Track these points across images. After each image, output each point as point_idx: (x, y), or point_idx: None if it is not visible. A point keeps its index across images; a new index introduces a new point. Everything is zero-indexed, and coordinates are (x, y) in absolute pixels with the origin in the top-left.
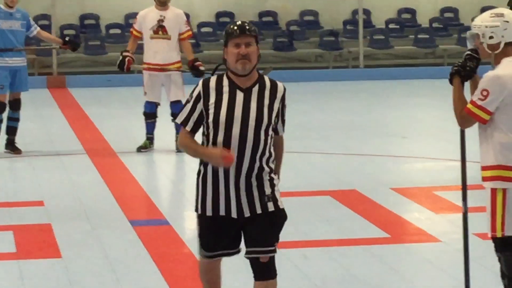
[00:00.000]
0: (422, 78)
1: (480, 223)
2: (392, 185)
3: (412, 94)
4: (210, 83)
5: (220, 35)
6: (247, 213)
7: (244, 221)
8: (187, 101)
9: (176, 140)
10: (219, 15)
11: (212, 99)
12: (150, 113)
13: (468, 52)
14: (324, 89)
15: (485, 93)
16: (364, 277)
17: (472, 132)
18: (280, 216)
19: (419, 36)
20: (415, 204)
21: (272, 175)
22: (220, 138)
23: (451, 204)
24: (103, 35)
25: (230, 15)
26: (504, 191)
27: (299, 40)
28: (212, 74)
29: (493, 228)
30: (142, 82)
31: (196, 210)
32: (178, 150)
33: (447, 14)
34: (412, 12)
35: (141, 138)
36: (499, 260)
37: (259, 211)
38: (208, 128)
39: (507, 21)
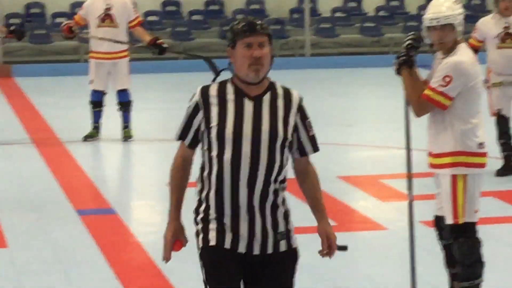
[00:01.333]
0: (368, 66)
1: (426, 210)
2: (338, 174)
3: (358, 83)
4: (210, 90)
5: (167, 24)
6: (256, 251)
7: (249, 261)
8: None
9: (123, 129)
10: (165, 4)
11: (215, 110)
12: (97, 102)
13: (410, 42)
14: (270, 77)
15: (447, 79)
16: (311, 265)
17: (418, 119)
18: (292, 258)
19: (365, 24)
20: (361, 192)
21: (287, 205)
22: (227, 155)
23: (397, 192)
24: (49, 24)
25: (177, 4)
26: (465, 177)
27: None
28: (214, 80)
29: (455, 215)
30: (88, 71)
31: (198, 246)
32: (125, 139)
33: (392, 3)
34: (358, 0)
35: (88, 127)
36: (445, 247)
37: (269, 250)
38: (210, 144)
39: (458, 8)
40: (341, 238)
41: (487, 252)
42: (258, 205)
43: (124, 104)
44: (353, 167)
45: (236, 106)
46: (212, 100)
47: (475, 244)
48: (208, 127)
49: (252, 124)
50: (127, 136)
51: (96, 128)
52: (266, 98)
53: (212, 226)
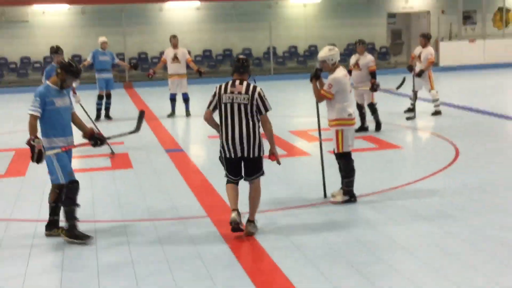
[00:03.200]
0: (299, 79)
1: (327, 147)
2: (289, 129)
3: (296, 87)
4: None
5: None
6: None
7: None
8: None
9: (186, 111)
10: (205, 51)
11: None
12: (173, 99)
13: (316, 68)
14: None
15: (330, 85)
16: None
17: (320, 104)
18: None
19: (299, 59)
20: (299, 138)
21: None
22: None
23: (315, 138)
24: (150, 62)
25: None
26: (342, 131)
27: None
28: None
29: (338, 149)
30: (168, 84)
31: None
32: (187, 116)
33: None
34: (295, 46)
35: (169, 111)
36: (338, 163)
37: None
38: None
39: (336, 50)
40: (288, 161)
41: (356, 165)
42: None
43: (186, 99)
44: (295, 126)
45: None
46: None
47: (348, 161)
48: None
49: None
50: (188, 115)
51: (173, 111)
52: None
53: None
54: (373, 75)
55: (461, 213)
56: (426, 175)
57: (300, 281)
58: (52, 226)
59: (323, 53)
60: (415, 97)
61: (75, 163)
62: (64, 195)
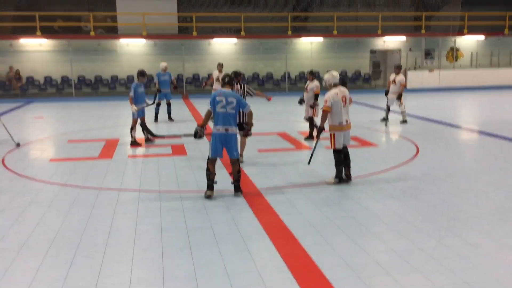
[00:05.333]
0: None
1: (324, 144)
2: (298, 130)
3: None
4: None
5: None
6: None
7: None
8: None
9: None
10: None
11: None
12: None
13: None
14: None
15: (326, 101)
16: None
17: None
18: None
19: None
20: (303, 136)
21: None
22: None
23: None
24: (200, 81)
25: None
26: (334, 134)
27: None
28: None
29: (332, 146)
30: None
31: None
32: None
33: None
34: (302, 73)
35: None
36: (334, 156)
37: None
38: None
39: (333, 75)
40: (295, 153)
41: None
42: None
43: None
44: (302, 128)
45: None
46: None
47: (338, 156)
48: None
49: None
50: None
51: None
52: None
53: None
54: (316, 97)
55: (419, 193)
56: (394, 165)
57: (303, 237)
58: (238, 189)
59: (325, 76)
60: (388, 110)
61: (149, 151)
62: (237, 165)
